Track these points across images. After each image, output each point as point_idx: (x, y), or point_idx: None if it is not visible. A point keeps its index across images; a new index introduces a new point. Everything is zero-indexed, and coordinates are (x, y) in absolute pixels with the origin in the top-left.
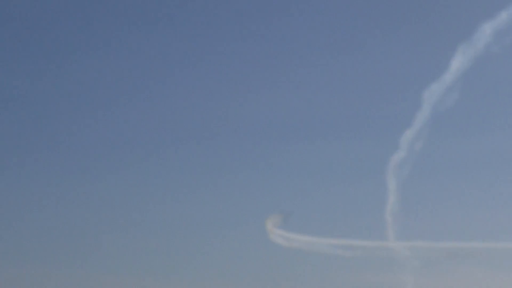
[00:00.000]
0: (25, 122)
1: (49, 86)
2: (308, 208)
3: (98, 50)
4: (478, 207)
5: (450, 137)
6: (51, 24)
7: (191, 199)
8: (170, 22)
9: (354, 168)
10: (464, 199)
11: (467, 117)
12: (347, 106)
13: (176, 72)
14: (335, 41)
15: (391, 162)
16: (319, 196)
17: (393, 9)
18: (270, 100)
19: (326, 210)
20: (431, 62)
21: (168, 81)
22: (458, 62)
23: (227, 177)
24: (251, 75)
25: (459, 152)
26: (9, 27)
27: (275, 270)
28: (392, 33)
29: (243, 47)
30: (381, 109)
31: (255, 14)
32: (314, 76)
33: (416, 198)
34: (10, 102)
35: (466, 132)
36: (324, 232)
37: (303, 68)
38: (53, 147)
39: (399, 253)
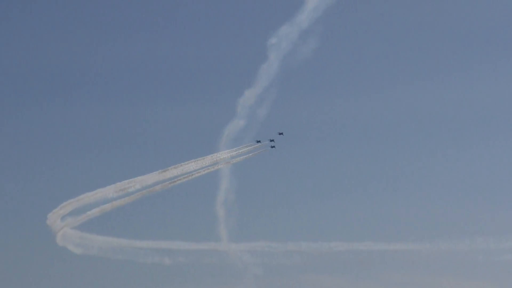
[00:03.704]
0: None
1: None
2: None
3: None
4: (341, 195)
5: (305, 98)
6: None
7: None
8: None
9: (178, 140)
10: (323, 183)
11: (328, 72)
12: (172, 57)
13: None
14: None
15: (226, 134)
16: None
17: None
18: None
19: (140, 202)
20: None
21: None
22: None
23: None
24: None
25: (317, 119)
26: None
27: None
28: None
29: None
30: (215, 61)
31: None
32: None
33: (258, 184)
34: None
35: (325, 92)
36: (137, 233)
37: None
38: None
39: (235, 259)
